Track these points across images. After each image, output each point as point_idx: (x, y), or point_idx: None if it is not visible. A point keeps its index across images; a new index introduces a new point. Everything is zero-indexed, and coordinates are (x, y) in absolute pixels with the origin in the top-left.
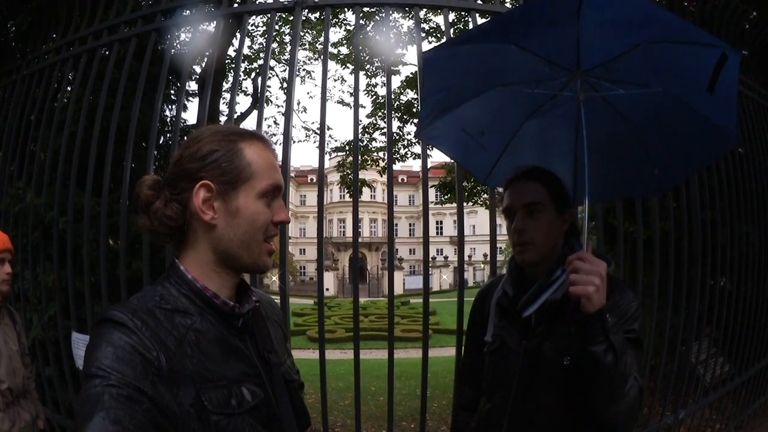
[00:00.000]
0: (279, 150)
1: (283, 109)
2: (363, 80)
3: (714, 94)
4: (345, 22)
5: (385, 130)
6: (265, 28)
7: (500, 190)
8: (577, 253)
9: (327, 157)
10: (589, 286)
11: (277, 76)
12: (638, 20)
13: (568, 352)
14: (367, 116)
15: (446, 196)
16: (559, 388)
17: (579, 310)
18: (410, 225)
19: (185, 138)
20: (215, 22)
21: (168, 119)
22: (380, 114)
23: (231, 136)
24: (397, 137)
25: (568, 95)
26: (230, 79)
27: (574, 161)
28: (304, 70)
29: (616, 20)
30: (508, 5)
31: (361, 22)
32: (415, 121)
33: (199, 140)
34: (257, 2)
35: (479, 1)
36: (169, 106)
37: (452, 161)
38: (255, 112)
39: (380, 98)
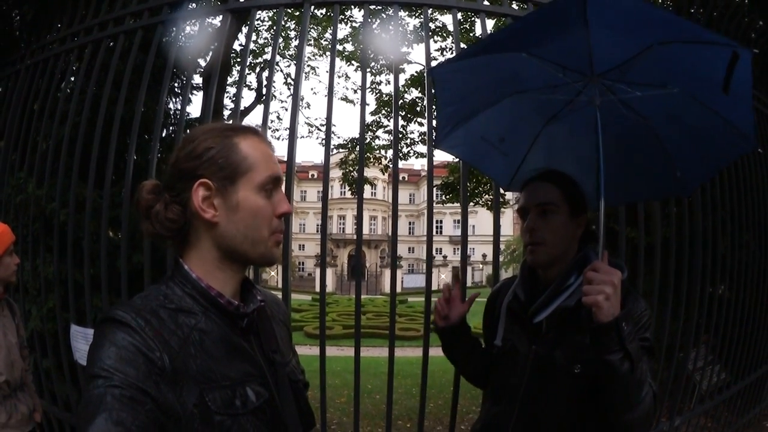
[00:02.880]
0: (284, 145)
1: (286, 105)
2: (368, 77)
3: (729, 95)
4: (351, 19)
5: (388, 127)
6: (269, 23)
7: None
8: (591, 264)
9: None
10: (600, 295)
11: (281, 71)
12: (646, 22)
13: (579, 360)
14: (371, 114)
15: (447, 196)
16: (567, 395)
17: (592, 319)
18: (410, 224)
19: (182, 138)
20: (221, 16)
21: (172, 112)
22: (384, 112)
23: (225, 132)
24: (400, 135)
25: (585, 100)
26: (234, 73)
27: (597, 165)
28: (308, 66)
29: (624, 24)
30: (515, 7)
31: (368, 19)
32: (419, 119)
33: (194, 139)
34: None
35: (486, 2)
36: (173, 99)
37: (454, 161)
38: (259, 107)
39: (384, 96)
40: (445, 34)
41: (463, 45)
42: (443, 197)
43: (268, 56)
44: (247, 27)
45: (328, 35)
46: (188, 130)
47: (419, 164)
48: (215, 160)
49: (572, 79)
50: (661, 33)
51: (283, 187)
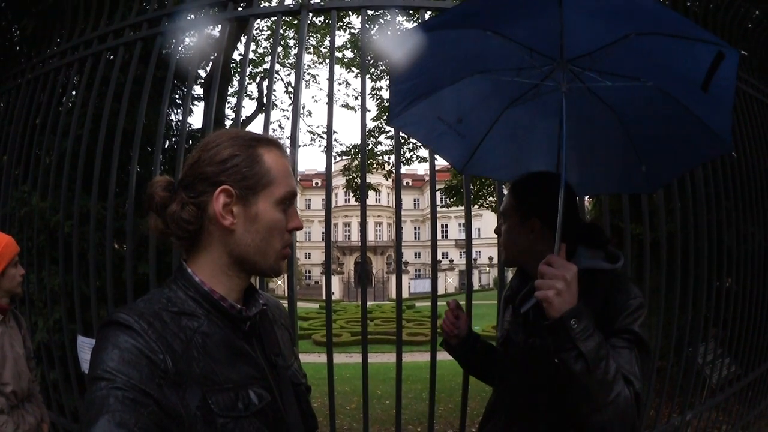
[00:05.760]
0: None
1: (287, 113)
2: (368, 84)
3: (708, 94)
4: (349, 25)
5: (390, 133)
6: (268, 32)
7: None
8: (546, 258)
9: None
10: (550, 290)
11: (281, 80)
12: (627, 10)
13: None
14: (372, 120)
15: (452, 199)
16: (552, 384)
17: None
18: (415, 228)
19: (199, 141)
20: (220, 25)
21: (173, 123)
22: (385, 117)
23: (250, 141)
24: (403, 140)
25: (551, 85)
26: (234, 83)
27: (558, 152)
28: (308, 74)
29: (603, 9)
30: None
31: (366, 25)
32: None
33: (218, 144)
34: (262, 5)
35: None
36: (174, 110)
37: None
38: (260, 117)
39: (385, 101)
40: None
41: None
42: (447, 201)
43: (268, 65)
44: (245, 36)
45: (327, 43)
46: (190, 141)
47: (422, 169)
48: (239, 169)
49: (539, 63)
50: (642, 23)
51: None
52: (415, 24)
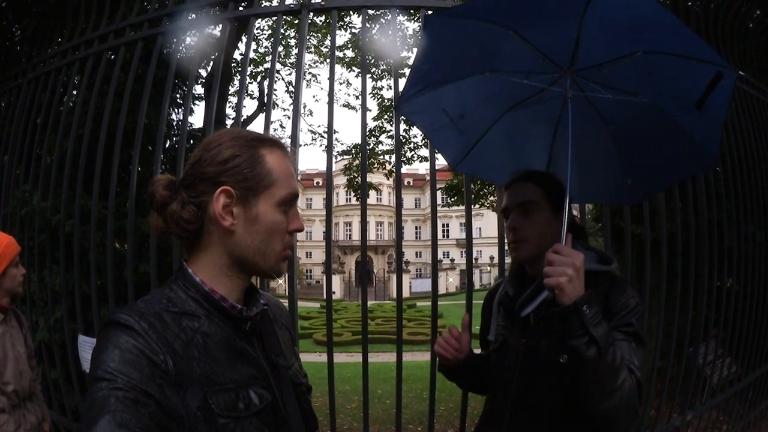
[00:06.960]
0: None
1: (289, 113)
2: (369, 83)
3: (701, 112)
4: (350, 25)
5: (391, 132)
6: (270, 31)
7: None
8: (553, 247)
9: (333, 160)
10: (562, 277)
11: (282, 79)
12: (642, 24)
13: (565, 350)
14: (374, 119)
15: (453, 199)
16: (557, 386)
17: (557, 303)
18: (416, 228)
19: (200, 140)
20: (221, 25)
21: (174, 123)
22: (386, 117)
23: (252, 141)
24: (404, 140)
25: (557, 91)
26: (235, 82)
27: (548, 159)
28: (309, 73)
29: (620, 21)
30: None
31: (366, 24)
32: None
33: (220, 144)
34: (263, 5)
35: None
36: (175, 110)
37: None
38: (261, 116)
39: (386, 101)
40: None
41: None
42: (448, 200)
43: (268, 65)
44: (246, 35)
45: (328, 42)
46: (191, 141)
47: (423, 168)
48: (240, 169)
49: (548, 69)
50: (652, 40)
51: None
52: (420, 22)
